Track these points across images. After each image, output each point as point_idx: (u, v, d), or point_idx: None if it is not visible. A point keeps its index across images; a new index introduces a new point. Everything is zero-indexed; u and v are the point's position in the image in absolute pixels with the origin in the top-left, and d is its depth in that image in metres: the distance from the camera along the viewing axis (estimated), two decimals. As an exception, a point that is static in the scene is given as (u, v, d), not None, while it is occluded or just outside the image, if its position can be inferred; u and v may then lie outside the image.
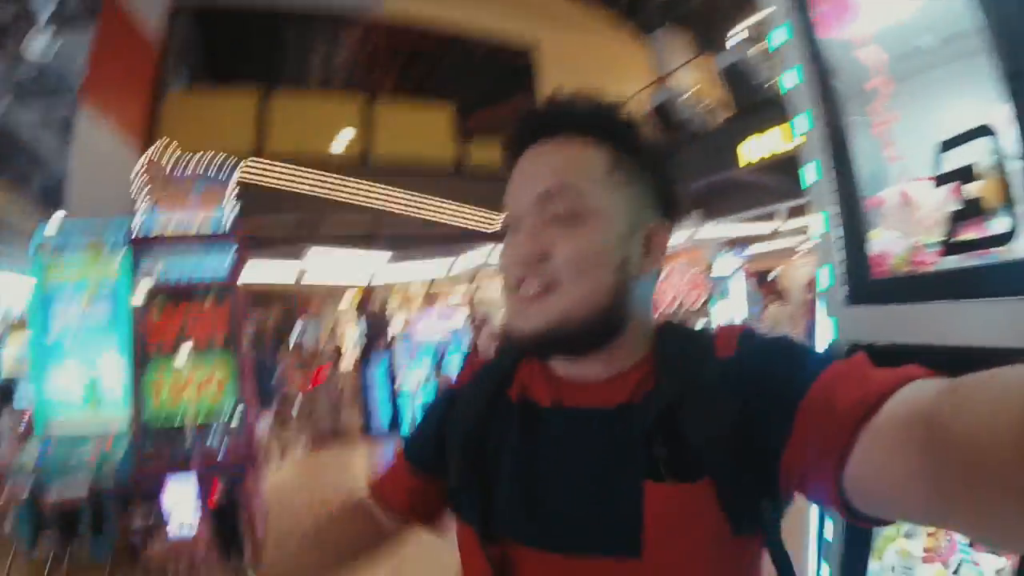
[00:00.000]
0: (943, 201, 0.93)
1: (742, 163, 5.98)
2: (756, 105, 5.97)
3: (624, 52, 8.91)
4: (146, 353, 3.29)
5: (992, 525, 0.32)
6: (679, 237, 6.94)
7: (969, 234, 0.73)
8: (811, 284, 7.78)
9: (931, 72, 0.98)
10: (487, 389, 0.63)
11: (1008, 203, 0.66)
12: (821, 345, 1.02)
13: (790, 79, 1.10)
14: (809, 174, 1.07)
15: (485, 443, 0.59)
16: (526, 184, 0.57)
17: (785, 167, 6.52)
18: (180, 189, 3.53)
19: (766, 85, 5.92)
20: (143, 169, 3.51)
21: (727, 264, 6.81)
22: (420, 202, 6.18)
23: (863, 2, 0.95)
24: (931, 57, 0.97)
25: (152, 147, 3.59)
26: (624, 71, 8.58)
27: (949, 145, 0.75)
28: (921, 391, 0.40)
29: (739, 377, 0.51)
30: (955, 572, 0.85)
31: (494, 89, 8.68)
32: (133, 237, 3.40)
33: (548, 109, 0.59)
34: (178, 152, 3.62)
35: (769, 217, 7.44)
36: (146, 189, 3.49)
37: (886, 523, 0.46)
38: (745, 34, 6.78)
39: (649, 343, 0.58)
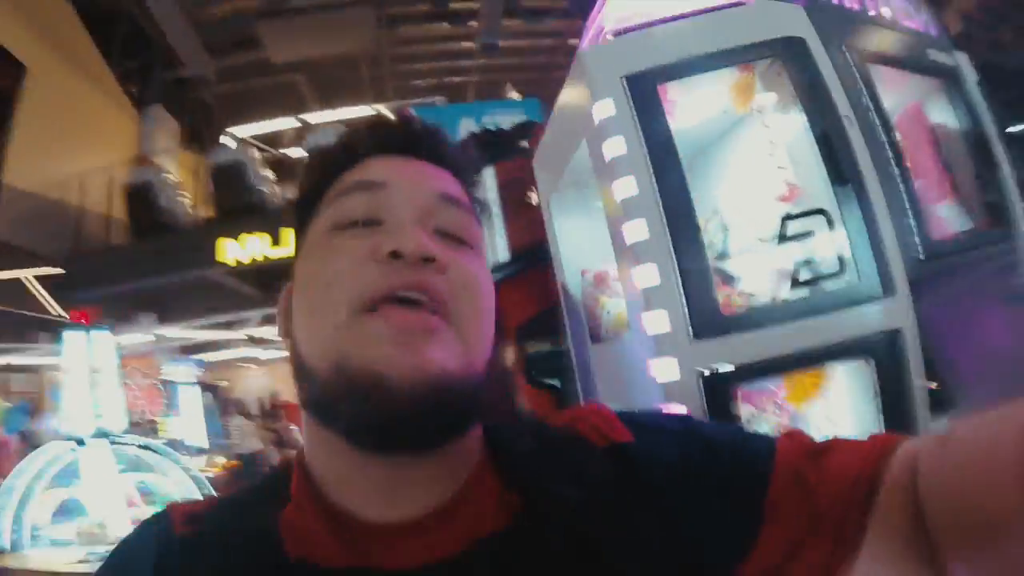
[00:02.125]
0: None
1: (220, 261, 5.50)
2: (242, 209, 5.79)
3: (114, 112, 7.35)
4: None
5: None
6: (131, 340, 5.50)
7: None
8: (268, 399, 7.60)
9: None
10: (245, 547, 0.37)
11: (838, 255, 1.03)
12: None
13: (617, 147, 1.26)
14: (639, 231, 1.22)
15: None
16: (414, 176, 0.42)
17: (259, 275, 6.44)
18: None
19: (255, 191, 5.88)
20: None
21: (182, 373, 5.80)
22: None
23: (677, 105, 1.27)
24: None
25: None
26: (108, 132, 7.13)
27: (792, 217, 1.09)
28: (906, 454, 0.37)
29: (653, 469, 0.41)
30: None
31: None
32: None
33: (415, 129, 0.45)
34: None
35: (228, 326, 6.98)
36: None
37: None
38: (240, 138, 6.65)
39: (480, 444, 0.43)
